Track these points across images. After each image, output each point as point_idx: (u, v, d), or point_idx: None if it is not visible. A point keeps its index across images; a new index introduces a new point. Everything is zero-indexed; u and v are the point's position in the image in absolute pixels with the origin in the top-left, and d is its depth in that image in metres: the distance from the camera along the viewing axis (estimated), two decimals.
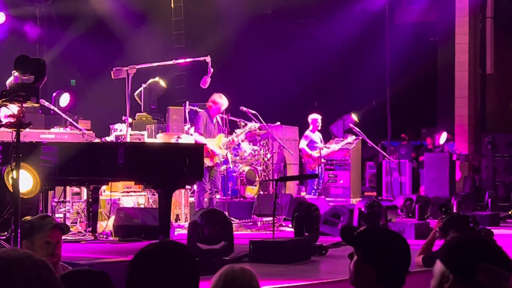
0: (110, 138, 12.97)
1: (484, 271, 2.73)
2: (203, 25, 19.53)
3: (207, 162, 12.31)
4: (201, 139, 12.18)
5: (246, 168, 13.88)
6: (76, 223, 11.35)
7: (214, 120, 12.55)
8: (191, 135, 13.30)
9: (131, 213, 11.17)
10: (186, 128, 14.15)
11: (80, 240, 10.33)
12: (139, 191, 12.81)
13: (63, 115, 12.83)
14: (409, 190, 18.52)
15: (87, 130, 12.91)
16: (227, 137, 13.01)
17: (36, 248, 4.75)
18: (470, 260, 2.75)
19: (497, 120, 20.76)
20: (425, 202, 13.18)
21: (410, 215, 13.69)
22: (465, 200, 13.88)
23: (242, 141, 13.61)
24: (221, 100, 12.37)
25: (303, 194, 16.53)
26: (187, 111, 14.39)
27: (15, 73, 11.31)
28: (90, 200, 10.92)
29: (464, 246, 2.82)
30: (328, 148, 16.02)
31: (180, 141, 12.87)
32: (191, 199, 13.18)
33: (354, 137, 16.38)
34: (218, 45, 17.11)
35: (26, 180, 8.43)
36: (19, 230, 5.33)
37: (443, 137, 19.18)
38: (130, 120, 11.93)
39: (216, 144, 12.40)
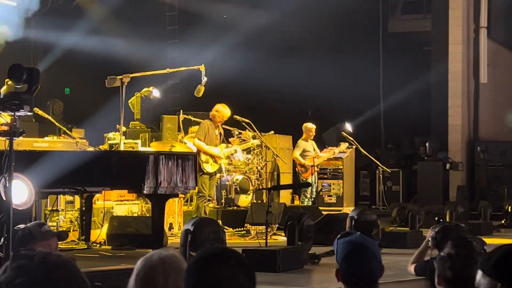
0: (104, 146, 12.98)
1: None
2: (198, 34, 19.55)
3: (208, 168, 12.36)
4: (201, 144, 12.27)
5: (240, 177, 13.89)
6: (69, 231, 11.34)
7: (217, 131, 12.63)
8: (185, 143, 13.33)
9: (124, 222, 11.18)
10: (180, 137, 14.17)
11: (73, 249, 10.34)
12: (132, 200, 12.81)
13: (56, 123, 12.85)
14: (403, 199, 18.54)
15: (81, 138, 12.92)
16: (228, 148, 13.10)
17: None
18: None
19: (490, 130, 20.80)
20: (418, 211, 13.21)
21: (403, 224, 13.71)
22: (458, 209, 13.91)
23: (235, 150, 13.65)
24: (224, 109, 12.53)
25: (296, 203, 16.54)
26: (181, 119, 14.42)
27: (9, 82, 11.33)
28: (84, 208, 10.94)
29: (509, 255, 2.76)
30: (321, 157, 16.04)
31: (174, 149, 12.89)
32: (185, 208, 13.19)
33: (347, 144, 16.41)
34: (212, 54, 17.13)
35: (21, 192, 8.41)
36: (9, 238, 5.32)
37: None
38: (123, 128, 11.95)
39: (221, 151, 12.55)
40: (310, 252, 9.52)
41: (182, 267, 2.96)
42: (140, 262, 3.02)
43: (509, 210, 15.61)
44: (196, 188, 11.51)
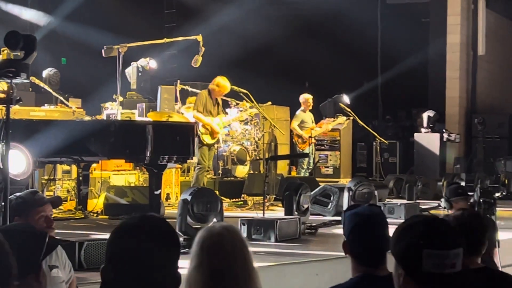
0: (101, 116, 12.95)
1: (427, 257, 2.50)
2: (195, 4, 19.46)
3: (207, 139, 12.31)
4: (200, 116, 12.21)
5: (237, 148, 13.88)
6: (66, 201, 11.34)
7: (215, 102, 12.53)
8: (182, 113, 13.30)
9: (121, 192, 11.17)
10: (177, 107, 14.12)
11: (70, 218, 10.33)
12: (129, 170, 12.79)
13: (53, 93, 12.80)
14: (400, 170, 18.54)
15: (78, 108, 12.88)
16: (227, 118, 13.04)
17: (33, 223, 4.70)
18: (412, 253, 2.54)
19: (487, 102, 20.78)
20: (415, 182, 13.23)
21: (400, 195, 13.74)
22: (455, 181, 13.90)
23: (233, 120, 13.62)
24: (225, 83, 12.38)
25: (293, 174, 16.54)
26: (178, 90, 14.36)
27: (5, 50, 11.27)
28: (81, 178, 10.92)
29: (404, 237, 2.61)
30: (319, 128, 16.04)
31: (171, 120, 12.86)
32: (182, 178, 13.18)
33: (345, 117, 16.38)
34: (209, 24, 17.05)
35: (19, 162, 8.37)
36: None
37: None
38: (120, 98, 11.91)
39: (217, 123, 12.48)
40: (307, 222, 9.53)
41: (242, 235, 3.02)
42: (203, 231, 2.99)
43: (506, 182, 15.63)
44: (195, 158, 11.49)
